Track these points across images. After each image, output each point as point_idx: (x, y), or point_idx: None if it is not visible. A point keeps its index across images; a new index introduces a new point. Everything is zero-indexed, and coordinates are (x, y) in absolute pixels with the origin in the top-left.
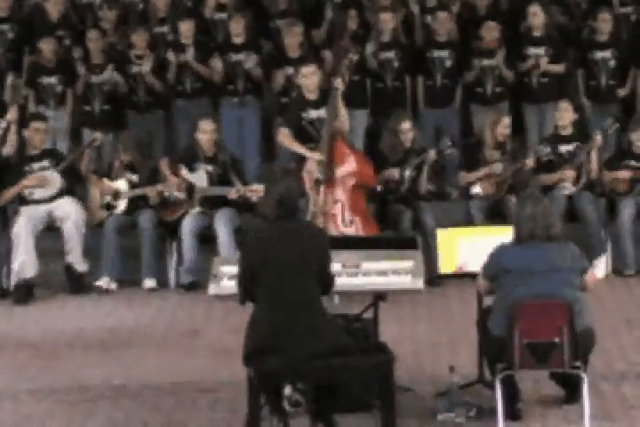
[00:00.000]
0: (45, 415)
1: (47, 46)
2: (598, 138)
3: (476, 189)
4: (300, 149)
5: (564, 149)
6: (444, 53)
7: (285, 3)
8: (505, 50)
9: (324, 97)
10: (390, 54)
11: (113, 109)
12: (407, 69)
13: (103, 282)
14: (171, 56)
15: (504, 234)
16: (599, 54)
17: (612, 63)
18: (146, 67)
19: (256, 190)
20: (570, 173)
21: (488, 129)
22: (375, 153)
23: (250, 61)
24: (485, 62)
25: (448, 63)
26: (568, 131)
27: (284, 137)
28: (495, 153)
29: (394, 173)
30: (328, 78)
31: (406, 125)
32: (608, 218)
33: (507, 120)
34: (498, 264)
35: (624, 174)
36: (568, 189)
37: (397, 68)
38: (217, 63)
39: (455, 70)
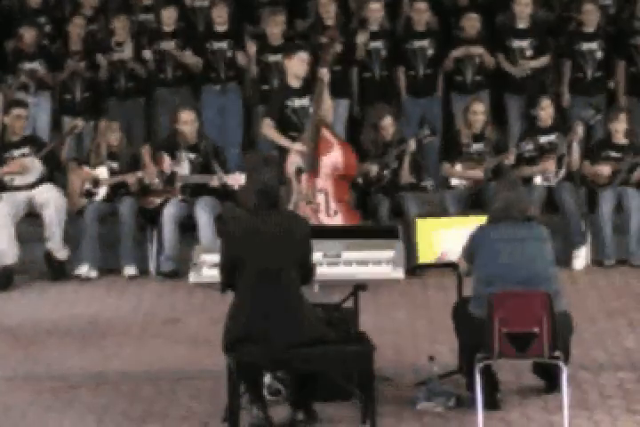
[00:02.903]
0: (24, 403)
1: (27, 32)
2: (579, 129)
3: (456, 181)
4: (283, 141)
5: (544, 139)
6: (424, 43)
7: None
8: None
9: (308, 86)
10: (378, 44)
11: (93, 97)
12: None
13: (83, 270)
14: (147, 54)
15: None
16: (586, 46)
17: (599, 55)
18: (127, 53)
19: (237, 179)
20: (550, 165)
21: (461, 117)
22: (359, 144)
23: (241, 59)
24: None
25: (429, 52)
26: (548, 122)
27: (268, 128)
28: (474, 145)
29: (371, 168)
30: (311, 68)
31: (387, 121)
32: (588, 209)
33: (477, 107)
34: (474, 243)
35: (604, 170)
36: (549, 179)
37: (385, 57)
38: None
39: (437, 59)
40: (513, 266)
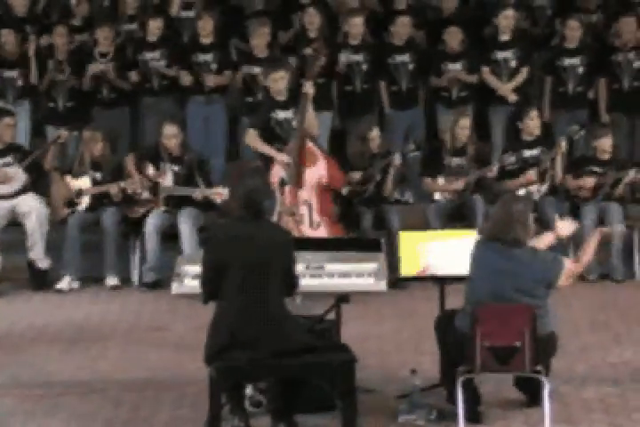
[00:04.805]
0: (8, 411)
1: (8, 39)
2: (563, 144)
3: (438, 196)
4: (268, 150)
5: (527, 153)
6: (406, 57)
7: (262, 3)
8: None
9: (293, 98)
10: (359, 57)
11: (78, 106)
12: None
13: (64, 283)
14: (133, 76)
15: (465, 237)
16: (568, 61)
17: (581, 70)
18: (109, 67)
19: (220, 193)
20: (532, 176)
21: (448, 132)
22: (341, 156)
23: (227, 76)
24: (450, 67)
25: (411, 67)
26: (535, 133)
27: (252, 138)
28: (456, 159)
29: (356, 174)
30: (296, 80)
31: (374, 133)
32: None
33: (465, 122)
34: (471, 255)
35: (588, 182)
36: (533, 193)
37: (366, 71)
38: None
39: (419, 72)
40: (492, 291)
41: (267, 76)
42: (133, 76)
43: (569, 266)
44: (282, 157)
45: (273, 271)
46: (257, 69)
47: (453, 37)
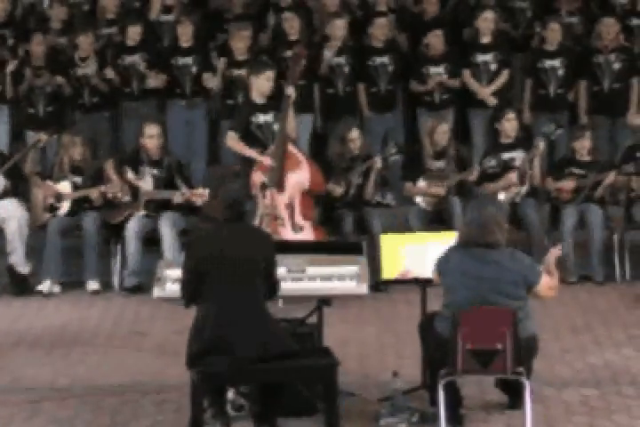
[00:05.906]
0: None
1: None
2: (541, 144)
3: (419, 199)
4: (250, 152)
5: (506, 156)
6: (385, 59)
7: (242, 7)
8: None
9: (273, 102)
10: (341, 60)
11: (57, 111)
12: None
13: (45, 286)
14: (109, 73)
15: (447, 240)
16: (548, 63)
17: (561, 72)
18: (91, 68)
19: (201, 195)
20: (512, 178)
21: (427, 137)
22: (322, 159)
23: (207, 79)
24: (432, 70)
25: (390, 68)
26: (512, 135)
27: (233, 141)
28: (436, 163)
29: (336, 188)
30: (276, 83)
31: (354, 134)
32: (551, 225)
33: (445, 127)
34: (444, 263)
35: (568, 185)
36: (514, 196)
37: (348, 73)
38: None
39: (398, 75)
40: (473, 296)
41: (257, 74)
42: (112, 75)
43: (545, 279)
44: (264, 160)
45: (255, 273)
46: (237, 72)
47: (438, 41)
